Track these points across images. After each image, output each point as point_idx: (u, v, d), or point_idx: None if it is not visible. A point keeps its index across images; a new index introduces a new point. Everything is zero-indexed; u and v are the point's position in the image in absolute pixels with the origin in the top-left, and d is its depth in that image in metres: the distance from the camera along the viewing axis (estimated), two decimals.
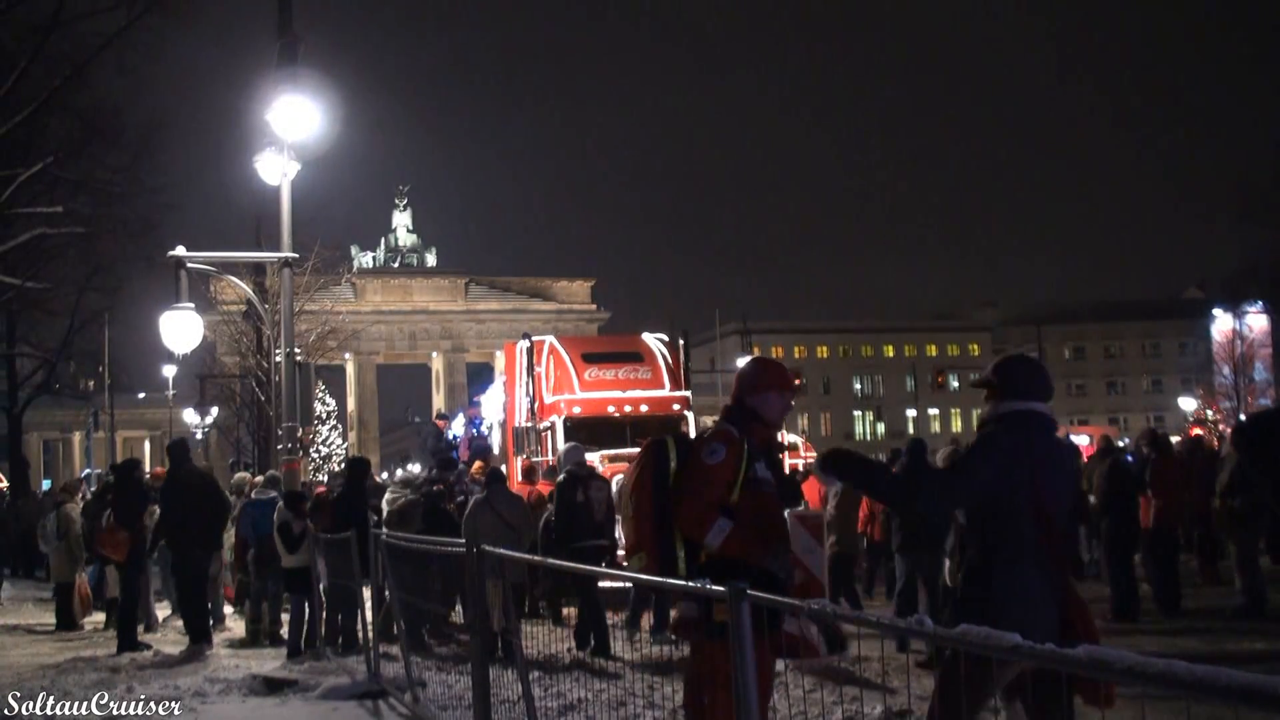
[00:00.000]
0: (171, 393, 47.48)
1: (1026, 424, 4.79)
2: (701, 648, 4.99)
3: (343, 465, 33.04)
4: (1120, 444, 18.67)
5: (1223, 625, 11.33)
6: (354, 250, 62.08)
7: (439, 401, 65.28)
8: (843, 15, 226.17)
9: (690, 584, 4.73)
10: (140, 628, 13.55)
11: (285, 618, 14.13)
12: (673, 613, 5.46)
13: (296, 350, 17.76)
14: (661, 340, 18.92)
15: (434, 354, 71.06)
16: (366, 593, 10.88)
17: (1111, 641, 7.82)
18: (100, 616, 15.59)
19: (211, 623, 14.47)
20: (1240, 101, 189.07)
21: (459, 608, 11.81)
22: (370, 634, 10.16)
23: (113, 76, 26.69)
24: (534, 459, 16.44)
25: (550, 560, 9.20)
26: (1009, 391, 4.87)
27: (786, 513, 10.02)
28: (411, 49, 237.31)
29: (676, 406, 17.47)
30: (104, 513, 14.53)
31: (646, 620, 12.75)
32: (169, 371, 45.50)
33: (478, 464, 16.34)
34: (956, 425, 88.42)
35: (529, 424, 17.88)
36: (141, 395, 59.70)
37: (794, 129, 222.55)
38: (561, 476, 12.07)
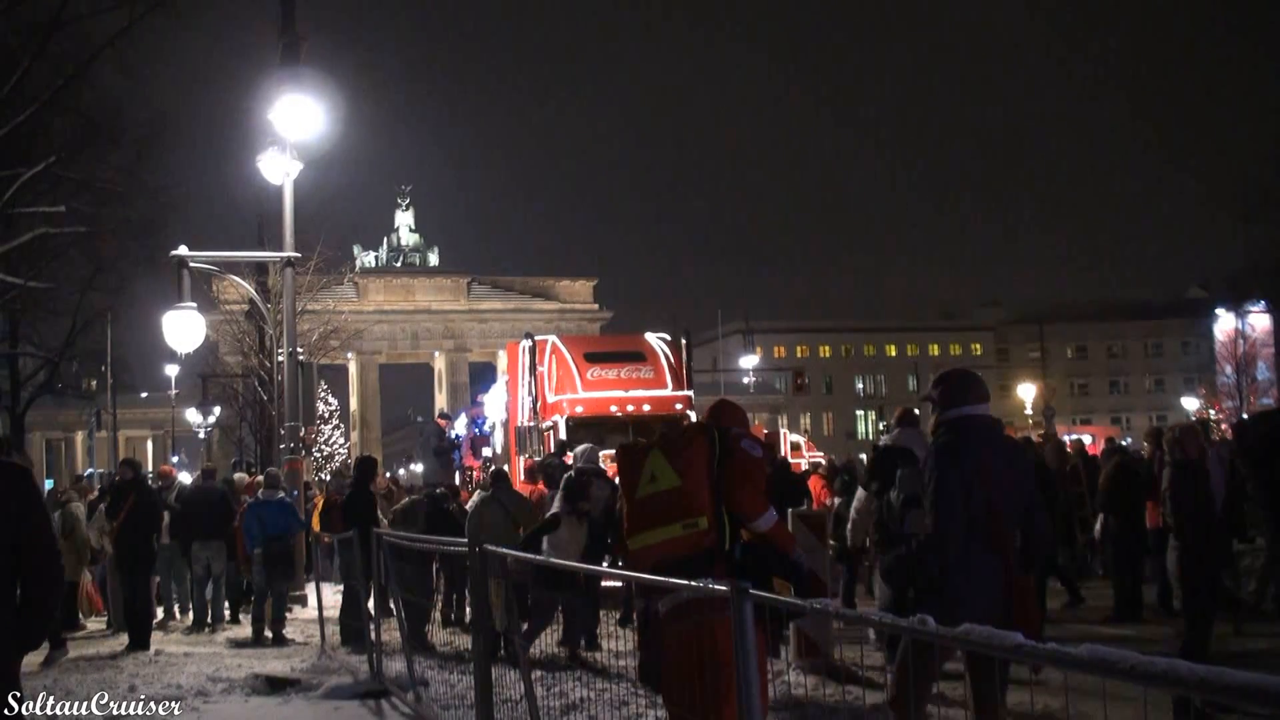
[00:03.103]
0: (174, 392, 47.53)
1: (969, 427, 5.49)
2: (713, 630, 4.85)
3: (338, 465, 33.13)
4: (1124, 443, 18.63)
5: (1224, 626, 11.28)
6: (356, 250, 62.22)
7: (441, 401, 65.28)
8: (847, 15, 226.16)
9: (693, 583, 4.75)
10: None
11: (288, 616, 14.16)
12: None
13: (299, 350, 17.79)
14: (664, 340, 18.91)
15: (436, 353, 71.06)
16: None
17: (1113, 641, 7.77)
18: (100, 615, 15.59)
19: (210, 620, 14.51)
20: (1244, 100, 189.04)
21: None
22: (374, 633, 10.15)
23: (115, 76, 26.68)
24: (536, 458, 16.44)
25: (553, 560, 9.20)
26: (949, 400, 5.60)
27: (789, 511, 10.06)
28: (413, 48, 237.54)
29: (679, 406, 17.45)
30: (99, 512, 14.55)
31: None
32: (171, 371, 45.58)
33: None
34: None
35: (531, 423, 17.87)
36: (144, 395, 59.67)
37: (797, 128, 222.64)
38: (569, 475, 12.07)
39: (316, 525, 16.69)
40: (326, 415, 62.70)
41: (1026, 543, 5.49)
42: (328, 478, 25.73)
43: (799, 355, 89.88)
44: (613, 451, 13.25)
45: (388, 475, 24.98)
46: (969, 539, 5.28)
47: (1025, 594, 5.39)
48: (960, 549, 5.26)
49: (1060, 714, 6.89)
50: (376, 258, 74.34)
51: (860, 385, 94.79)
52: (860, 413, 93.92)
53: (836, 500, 14.16)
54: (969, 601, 5.00)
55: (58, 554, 4.37)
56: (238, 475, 19.64)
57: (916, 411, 9.29)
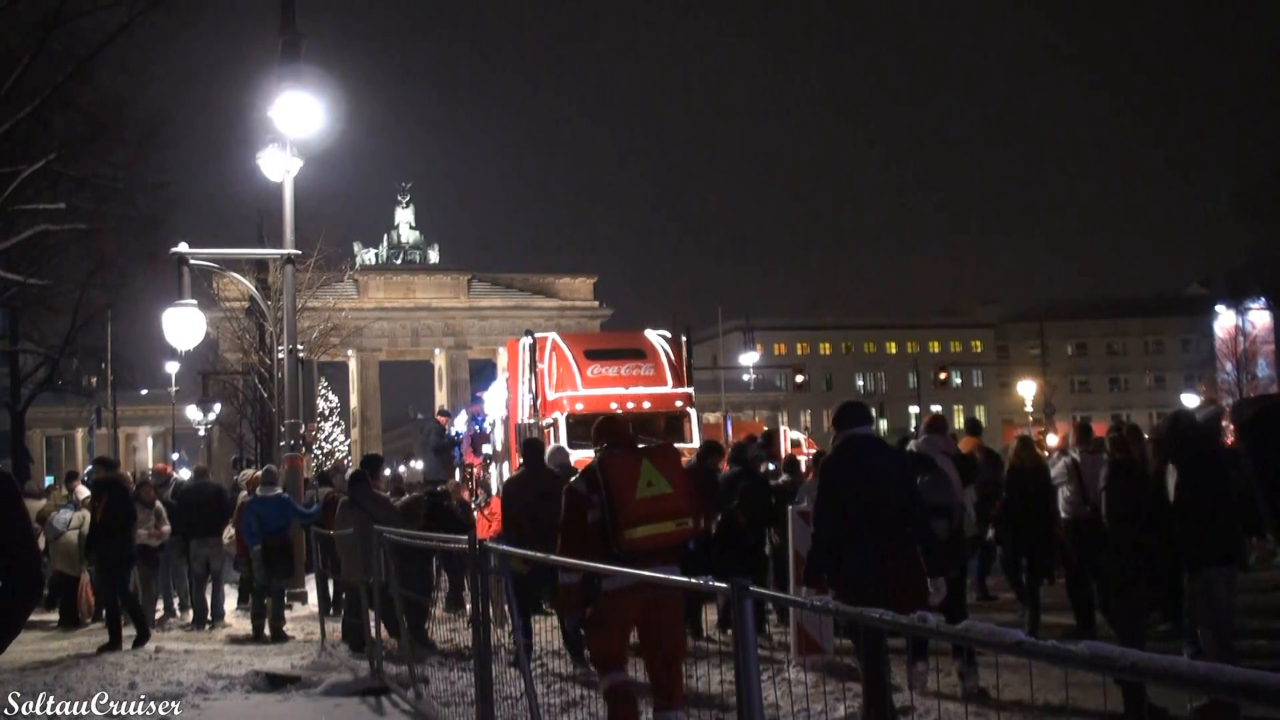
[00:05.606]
0: (174, 389, 47.50)
1: (855, 444, 6.99)
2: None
3: (329, 466, 33.15)
4: None
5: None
6: (357, 247, 62.16)
7: (441, 398, 65.32)
8: (847, 13, 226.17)
9: (693, 580, 4.86)
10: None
11: (288, 614, 14.16)
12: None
13: (299, 347, 17.81)
14: (664, 337, 18.92)
15: (437, 351, 71.09)
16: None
17: (1115, 640, 7.78)
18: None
19: (210, 617, 14.52)
20: (1245, 98, 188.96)
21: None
22: (374, 631, 10.15)
23: (115, 73, 26.58)
24: None
25: (554, 558, 9.18)
26: (841, 424, 7.12)
27: (789, 508, 10.06)
28: (414, 46, 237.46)
29: (679, 403, 17.47)
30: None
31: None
32: (172, 368, 45.54)
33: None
34: (959, 422, 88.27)
35: (531, 420, 17.88)
36: (144, 392, 59.69)
37: (797, 125, 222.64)
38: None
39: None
40: (327, 412, 62.76)
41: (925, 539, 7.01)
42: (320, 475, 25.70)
43: (799, 352, 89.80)
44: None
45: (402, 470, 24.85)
46: (853, 532, 6.69)
47: (908, 575, 6.74)
48: (848, 541, 6.68)
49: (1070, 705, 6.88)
50: (377, 255, 74.28)
51: (861, 382, 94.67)
52: None
53: None
54: (853, 582, 6.44)
55: (38, 559, 4.31)
56: (244, 472, 19.67)
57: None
